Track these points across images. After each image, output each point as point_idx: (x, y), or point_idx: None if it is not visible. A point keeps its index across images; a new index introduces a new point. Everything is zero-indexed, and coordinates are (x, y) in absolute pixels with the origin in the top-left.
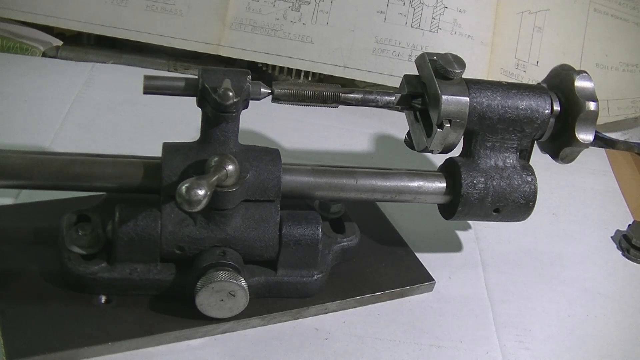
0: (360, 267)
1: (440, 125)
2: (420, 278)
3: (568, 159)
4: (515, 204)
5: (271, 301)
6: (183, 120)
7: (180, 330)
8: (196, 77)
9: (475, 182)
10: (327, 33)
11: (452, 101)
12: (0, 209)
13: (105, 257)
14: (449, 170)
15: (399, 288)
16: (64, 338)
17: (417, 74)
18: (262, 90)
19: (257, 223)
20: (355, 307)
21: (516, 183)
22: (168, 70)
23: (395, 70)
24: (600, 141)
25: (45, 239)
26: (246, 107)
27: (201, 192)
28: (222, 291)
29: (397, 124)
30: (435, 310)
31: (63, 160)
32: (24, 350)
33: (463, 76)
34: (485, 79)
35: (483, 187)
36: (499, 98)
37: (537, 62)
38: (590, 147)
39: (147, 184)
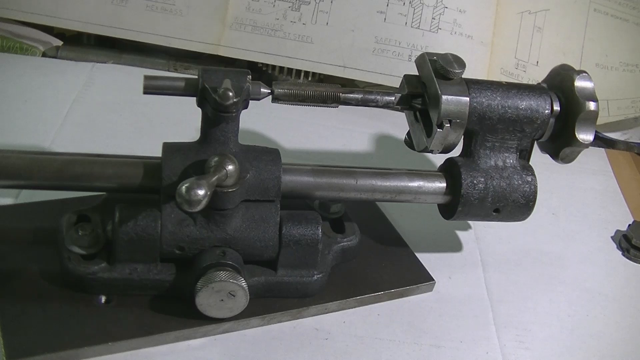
0: (360, 267)
1: (440, 125)
2: (420, 278)
3: (568, 159)
4: (515, 204)
5: (271, 301)
6: (183, 120)
7: (180, 330)
8: (196, 77)
9: (475, 182)
10: (327, 33)
11: (452, 101)
12: (0, 209)
13: (105, 257)
14: (449, 170)
15: (399, 288)
16: (64, 338)
17: (417, 74)
18: (262, 90)
19: (257, 223)
20: (355, 307)
21: (516, 183)
22: (168, 70)
23: (395, 70)
24: (600, 141)
25: (45, 239)
26: (246, 107)
27: (201, 192)
28: (222, 291)
29: (397, 124)
30: (435, 310)
31: (63, 160)
32: (24, 350)
33: (463, 76)
34: (485, 79)
35: (483, 187)
36: (499, 98)
37: (537, 62)
38: (590, 147)
39: (147, 184)
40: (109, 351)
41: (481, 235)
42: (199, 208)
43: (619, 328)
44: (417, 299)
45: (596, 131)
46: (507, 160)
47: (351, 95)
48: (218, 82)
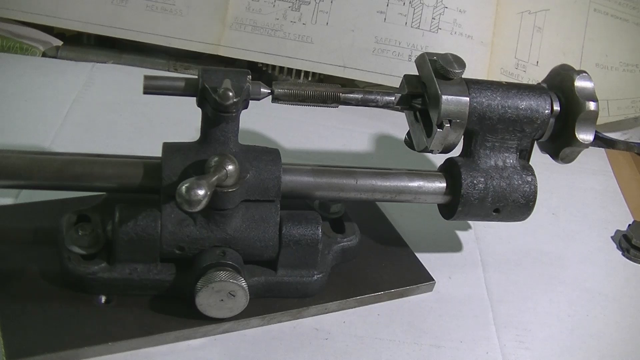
0: (360, 267)
1: (440, 125)
2: (420, 278)
3: (568, 159)
4: (515, 204)
5: (271, 301)
6: (183, 120)
7: (180, 330)
8: (196, 77)
9: (475, 182)
10: (327, 33)
11: (452, 101)
12: (0, 209)
13: (105, 257)
14: (449, 170)
15: (399, 288)
16: (64, 338)
17: (417, 74)
18: (262, 90)
19: (257, 223)
20: (355, 307)
21: (516, 183)
22: (168, 70)
23: (395, 70)
24: (600, 141)
25: (45, 239)
26: (246, 107)
27: (201, 192)
28: (222, 291)
29: (397, 124)
30: (435, 310)
31: (63, 160)
32: (24, 350)
33: (463, 76)
34: (485, 79)
35: (483, 187)
36: (499, 98)
37: (537, 62)
38: (590, 147)
39: (147, 184)
40: (109, 351)
41: (481, 235)
42: (199, 208)
43: (619, 328)
44: (417, 299)
45: (596, 131)
46: (507, 160)
47: (351, 95)
48: (218, 82)
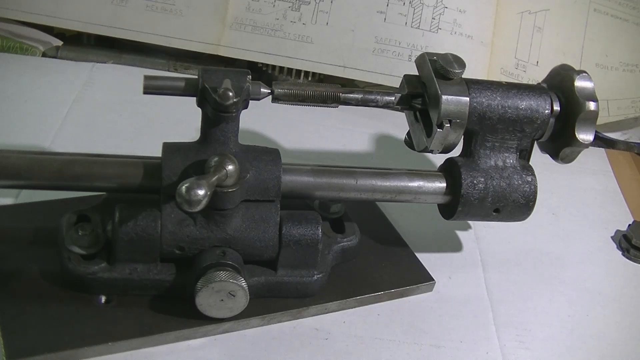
0: (360, 267)
1: (440, 125)
2: (420, 278)
3: (568, 159)
4: (515, 204)
5: (271, 301)
6: (183, 120)
7: (180, 330)
8: (196, 77)
9: (475, 182)
10: (327, 33)
11: (452, 101)
12: (0, 209)
13: (105, 257)
14: (449, 170)
15: (399, 288)
16: (64, 338)
17: (417, 74)
18: (262, 90)
19: (257, 223)
20: (355, 307)
21: (516, 183)
22: (168, 70)
23: (395, 70)
24: (600, 141)
25: (45, 239)
26: (246, 107)
27: (201, 192)
28: (222, 291)
29: (397, 124)
30: (435, 310)
31: (63, 160)
32: (24, 350)
33: (463, 76)
34: (485, 79)
35: (483, 187)
36: (499, 98)
37: (537, 62)
38: (590, 147)
39: (147, 184)
40: (109, 351)
41: (481, 235)
42: (199, 208)
43: (619, 328)
44: (417, 299)
45: (596, 131)
46: (507, 160)
47: (351, 95)
48: (218, 82)
